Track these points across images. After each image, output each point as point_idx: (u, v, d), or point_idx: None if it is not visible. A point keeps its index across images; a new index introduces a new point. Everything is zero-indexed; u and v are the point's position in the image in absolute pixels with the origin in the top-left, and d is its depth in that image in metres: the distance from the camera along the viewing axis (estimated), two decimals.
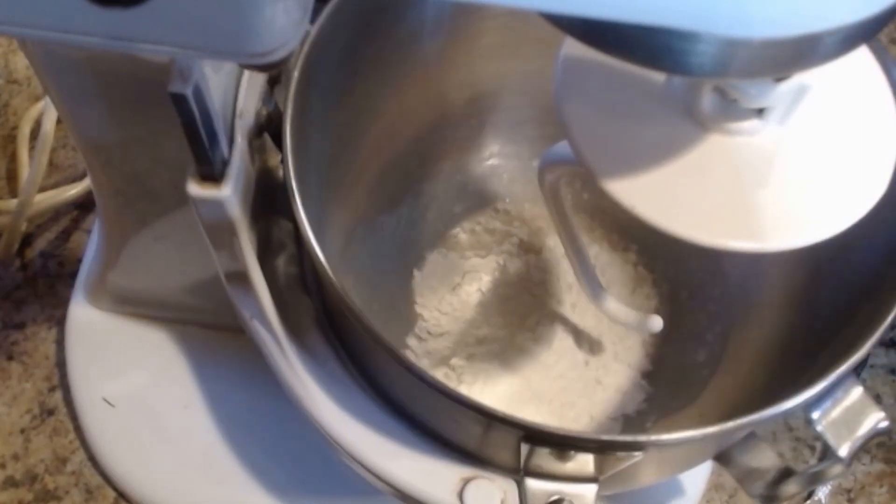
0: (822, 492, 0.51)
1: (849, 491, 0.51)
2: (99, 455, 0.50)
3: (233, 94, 0.34)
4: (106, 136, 0.38)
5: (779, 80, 0.27)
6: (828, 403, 0.35)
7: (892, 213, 0.34)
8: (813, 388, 0.33)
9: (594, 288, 0.47)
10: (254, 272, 0.37)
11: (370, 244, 0.50)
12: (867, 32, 0.23)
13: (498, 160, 0.54)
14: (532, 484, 0.36)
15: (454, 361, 0.50)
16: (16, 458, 0.50)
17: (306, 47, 0.37)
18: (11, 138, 0.59)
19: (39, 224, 0.57)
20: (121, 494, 0.50)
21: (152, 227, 0.44)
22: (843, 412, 0.35)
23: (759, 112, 0.29)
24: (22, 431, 0.51)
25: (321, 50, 0.38)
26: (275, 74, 0.38)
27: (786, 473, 0.41)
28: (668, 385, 0.50)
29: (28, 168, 0.55)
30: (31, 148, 0.56)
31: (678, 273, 0.52)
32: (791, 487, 0.40)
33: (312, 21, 0.37)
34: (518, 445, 0.34)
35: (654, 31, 0.21)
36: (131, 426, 0.50)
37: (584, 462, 0.35)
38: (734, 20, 0.21)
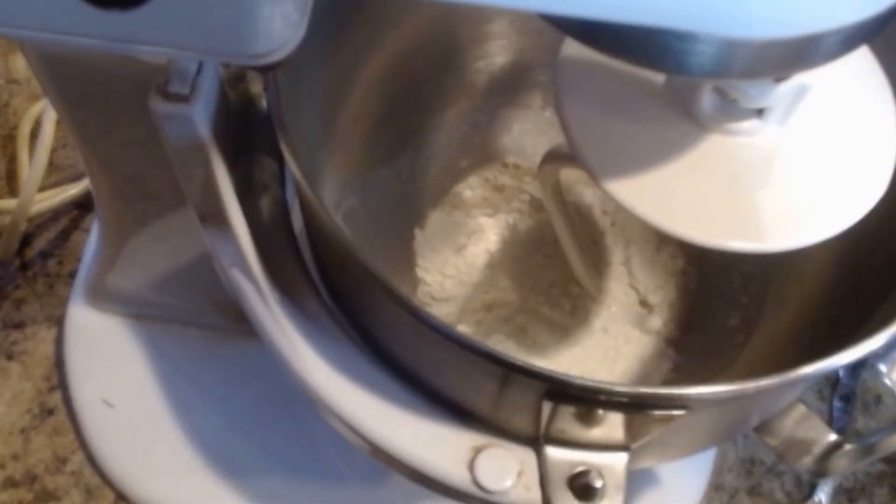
0: (823, 492, 0.50)
1: (849, 491, 0.50)
2: (98, 456, 0.49)
3: None
4: (104, 136, 0.38)
5: (779, 80, 0.27)
6: None
7: None
8: (884, 333, 0.28)
9: (594, 287, 0.46)
10: (231, 210, 0.32)
11: (367, 199, 0.45)
12: (868, 33, 0.22)
13: (507, 109, 0.49)
14: (553, 453, 0.31)
15: (460, 329, 0.45)
16: (16, 458, 0.49)
17: None
18: (11, 138, 0.59)
19: (39, 224, 0.57)
20: (120, 495, 0.49)
21: (152, 228, 0.44)
22: None
23: (759, 112, 0.29)
24: (22, 431, 0.50)
25: None
26: None
27: (836, 446, 0.37)
28: (697, 353, 0.45)
29: (28, 168, 0.56)
30: (31, 148, 0.56)
31: None
32: (842, 461, 0.36)
33: None
34: (538, 405, 0.29)
35: (653, 33, 0.21)
36: (131, 427, 0.49)
37: (614, 426, 0.30)
38: (734, 21, 0.21)
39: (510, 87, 0.49)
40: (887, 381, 0.30)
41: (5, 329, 0.53)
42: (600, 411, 0.29)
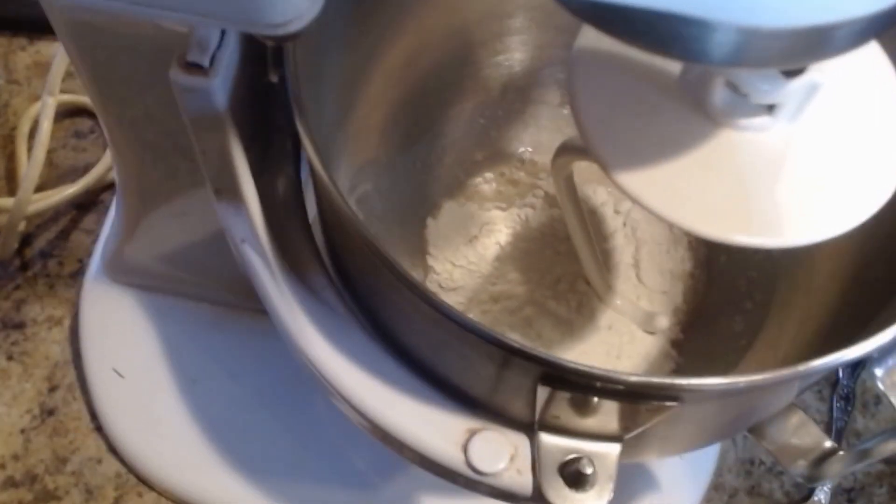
0: (823, 492, 0.50)
1: (849, 491, 0.50)
2: (105, 424, 0.50)
3: None
4: (128, 107, 0.38)
5: (790, 76, 0.27)
6: (891, 362, 0.31)
7: None
8: (877, 337, 0.28)
9: (603, 283, 0.46)
10: (245, 185, 0.33)
11: (381, 186, 0.46)
12: (882, 25, 0.22)
13: (525, 104, 0.50)
14: (547, 439, 0.32)
15: None
16: (16, 458, 0.50)
17: None
18: (11, 138, 0.59)
19: (39, 224, 0.57)
20: (122, 462, 0.50)
21: (170, 205, 0.45)
22: None
23: (770, 109, 0.29)
24: (22, 431, 0.50)
25: None
26: None
27: (831, 452, 0.37)
28: (699, 355, 0.46)
29: (26, 166, 0.55)
30: (30, 149, 0.56)
31: None
32: (836, 466, 0.37)
33: None
34: (534, 389, 0.29)
35: (667, 18, 0.21)
36: (138, 397, 0.50)
37: (608, 414, 0.30)
38: (749, 8, 0.21)
39: (529, 83, 0.49)
40: (881, 385, 0.30)
41: (5, 329, 0.53)
42: (595, 399, 0.29)
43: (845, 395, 0.51)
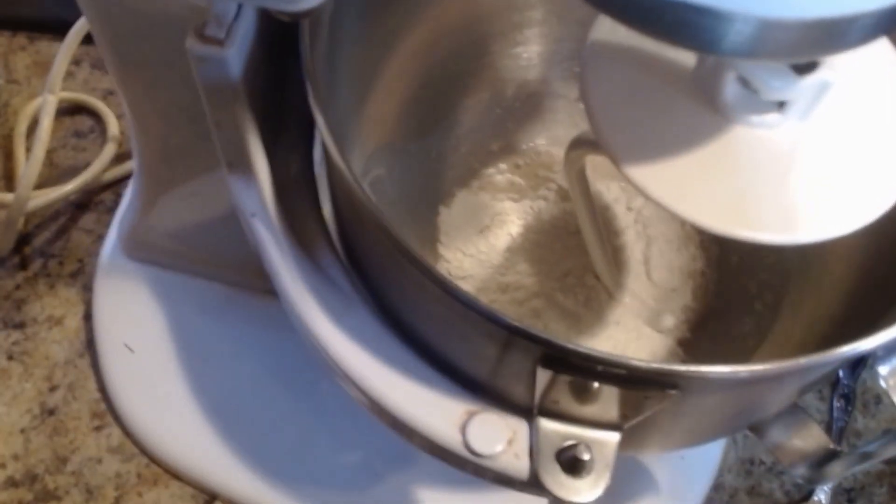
0: (823, 492, 0.50)
1: (849, 491, 0.50)
2: (113, 396, 0.50)
3: None
4: (148, 84, 0.39)
5: (802, 73, 0.27)
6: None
7: None
8: (878, 335, 0.28)
9: (612, 279, 0.46)
10: (256, 158, 0.33)
11: (394, 171, 0.46)
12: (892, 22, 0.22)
13: (541, 97, 0.50)
14: (546, 424, 0.32)
15: None
16: (16, 458, 0.50)
17: None
18: (11, 138, 0.59)
19: (39, 224, 0.57)
20: (127, 435, 0.50)
21: (185, 185, 0.45)
22: None
23: (781, 106, 0.29)
24: (22, 431, 0.50)
25: None
26: None
27: (832, 454, 0.36)
28: (706, 356, 0.45)
29: (24, 164, 0.55)
30: (28, 146, 0.56)
31: None
32: (837, 468, 0.36)
33: None
34: (534, 372, 0.29)
35: (680, 6, 0.21)
36: (147, 372, 0.50)
37: (608, 402, 0.30)
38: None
39: (546, 76, 0.49)
40: (883, 384, 0.30)
41: (6, 329, 0.53)
42: (595, 384, 0.29)
43: (846, 395, 0.50)
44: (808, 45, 0.23)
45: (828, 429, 0.50)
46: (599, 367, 0.28)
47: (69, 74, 0.55)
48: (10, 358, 0.52)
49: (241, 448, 0.48)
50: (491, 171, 0.50)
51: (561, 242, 0.48)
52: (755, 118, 0.30)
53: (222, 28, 0.30)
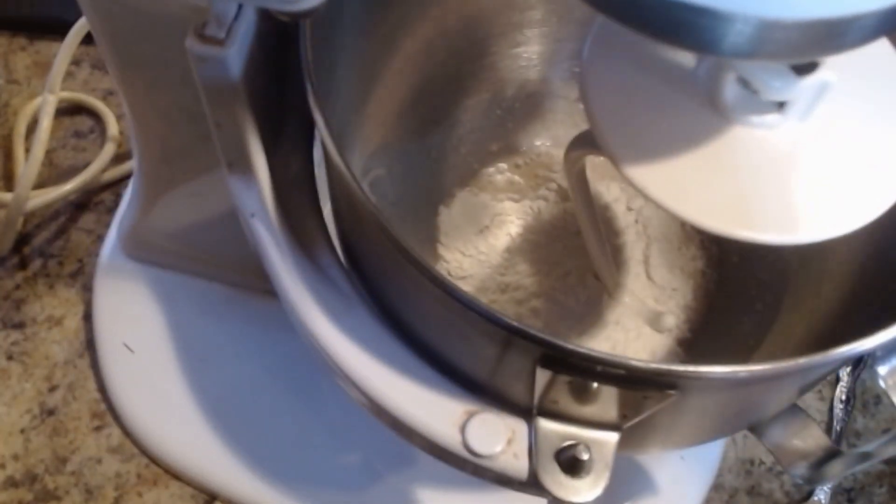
0: (823, 492, 0.50)
1: (849, 491, 0.50)
2: (113, 396, 0.51)
3: None
4: (149, 84, 0.39)
5: (801, 74, 0.27)
6: (895, 361, 0.30)
7: None
8: (884, 333, 0.28)
9: (612, 278, 0.46)
10: (256, 158, 0.33)
11: (394, 171, 0.46)
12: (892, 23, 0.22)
13: (542, 98, 0.50)
14: (545, 424, 0.32)
15: None
16: (16, 458, 0.50)
17: None
18: (10, 139, 0.59)
19: (39, 224, 0.57)
20: (127, 435, 0.50)
21: (185, 185, 0.45)
22: None
23: (780, 106, 0.29)
24: (22, 431, 0.51)
25: None
26: None
27: (831, 453, 0.36)
28: (706, 356, 0.45)
29: (24, 163, 0.55)
30: (27, 146, 0.56)
31: None
32: (836, 468, 0.36)
33: None
34: (533, 372, 0.29)
35: (680, 7, 0.21)
36: (147, 372, 0.50)
37: (607, 403, 0.30)
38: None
39: (546, 76, 0.49)
40: (882, 384, 0.30)
41: (5, 329, 0.53)
42: (594, 385, 0.29)
43: (845, 396, 0.51)
44: (808, 46, 0.23)
45: (827, 429, 0.50)
46: (599, 368, 0.28)
47: (69, 74, 0.55)
48: (10, 358, 0.52)
49: (241, 448, 0.48)
50: (491, 171, 0.50)
51: (561, 242, 0.48)
52: (755, 118, 0.30)
53: (222, 28, 0.30)
